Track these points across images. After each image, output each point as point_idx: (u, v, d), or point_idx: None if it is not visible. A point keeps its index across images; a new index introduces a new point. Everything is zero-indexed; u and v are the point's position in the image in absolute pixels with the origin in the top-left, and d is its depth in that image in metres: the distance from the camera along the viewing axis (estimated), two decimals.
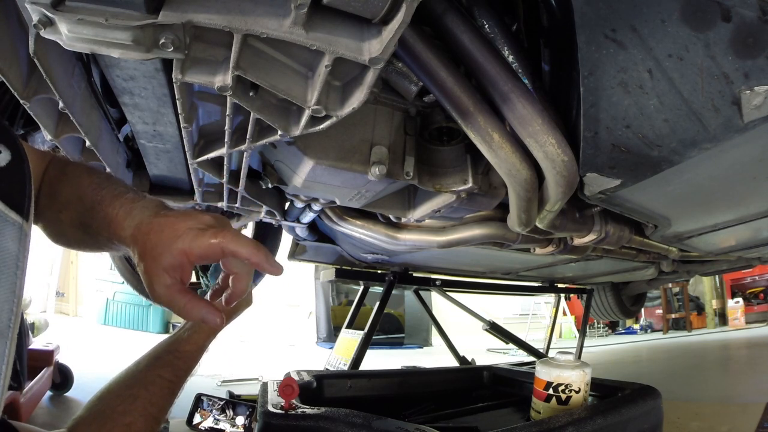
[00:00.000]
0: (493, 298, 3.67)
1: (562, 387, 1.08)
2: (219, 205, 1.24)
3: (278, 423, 0.91)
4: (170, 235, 0.53)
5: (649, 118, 0.74)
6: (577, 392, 1.08)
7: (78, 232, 0.58)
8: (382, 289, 2.31)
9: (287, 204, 1.40)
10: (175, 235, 0.53)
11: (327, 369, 2.12)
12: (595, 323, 7.95)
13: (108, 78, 0.73)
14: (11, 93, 0.71)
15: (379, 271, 2.41)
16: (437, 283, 2.47)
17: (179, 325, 0.79)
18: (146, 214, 0.55)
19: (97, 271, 5.92)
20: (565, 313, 8.06)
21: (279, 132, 0.71)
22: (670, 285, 7.72)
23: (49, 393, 2.16)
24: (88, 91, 0.83)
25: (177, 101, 0.69)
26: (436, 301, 3.39)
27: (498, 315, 4.43)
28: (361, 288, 2.52)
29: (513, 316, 7.99)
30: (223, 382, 2.77)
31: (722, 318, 7.96)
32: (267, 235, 2.31)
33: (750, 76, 0.61)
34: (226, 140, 0.79)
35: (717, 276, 7.93)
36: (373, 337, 2.09)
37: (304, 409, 0.93)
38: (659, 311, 8.11)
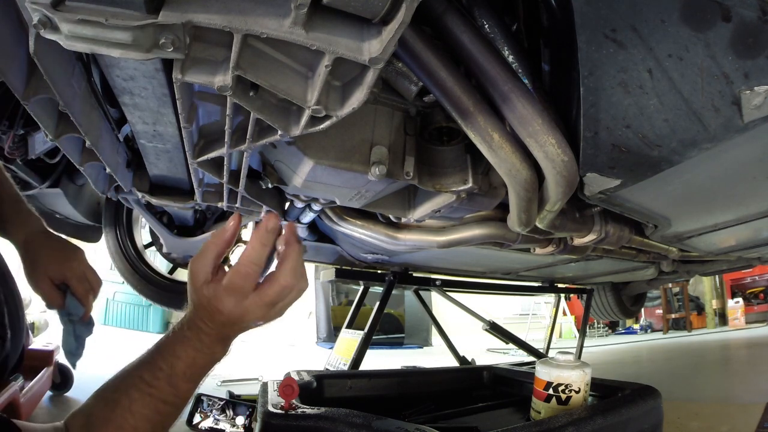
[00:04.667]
0: (493, 298, 3.67)
1: (562, 387, 1.08)
2: (219, 205, 1.24)
3: (278, 423, 0.91)
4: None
5: (649, 118, 0.74)
6: (577, 392, 1.08)
7: None
8: (382, 289, 2.31)
9: (287, 204, 1.40)
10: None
11: (327, 369, 2.12)
12: (595, 323, 7.96)
13: (108, 78, 0.73)
14: (11, 93, 0.71)
15: (379, 271, 2.41)
16: (437, 283, 2.47)
17: None
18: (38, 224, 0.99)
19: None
20: (565, 313, 8.07)
21: (279, 132, 0.71)
22: (670, 285, 7.72)
23: (49, 393, 2.15)
24: (88, 91, 0.83)
25: (177, 101, 0.69)
26: (436, 301, 3.38)
27: (498, 315, 4.43)
28: (361, 288, 2.52)
29: (513, 316, 8.00)
30: (223, 382, 2.76)
31: (722, 318, 7.97)
32: None
33: (750, 76, 0.61)
34: (226, 140, 0.79)
35: (717, 276, 7.94)
36: (373, 337, 2.09)
37: (304, 409, 0.93)
38: (659, 311, 8.12)
